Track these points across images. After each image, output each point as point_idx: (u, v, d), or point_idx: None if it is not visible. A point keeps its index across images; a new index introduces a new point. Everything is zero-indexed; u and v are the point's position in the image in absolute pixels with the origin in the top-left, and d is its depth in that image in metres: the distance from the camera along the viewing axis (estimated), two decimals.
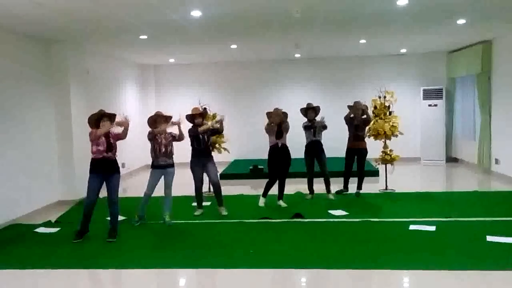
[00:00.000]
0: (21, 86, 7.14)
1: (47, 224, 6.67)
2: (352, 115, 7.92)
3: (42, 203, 7.56)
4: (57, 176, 8.05)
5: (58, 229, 6.36)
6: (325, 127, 7.65)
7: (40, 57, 7.70)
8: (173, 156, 6.46)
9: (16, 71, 7.06)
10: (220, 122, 7.01)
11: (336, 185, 8.15)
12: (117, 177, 5.89)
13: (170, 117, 6.42)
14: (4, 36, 6.76)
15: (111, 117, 5.81)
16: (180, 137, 6.46)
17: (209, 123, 6.95)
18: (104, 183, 5.83)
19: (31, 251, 5.46)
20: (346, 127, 8.03)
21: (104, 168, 5.75)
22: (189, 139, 6.78)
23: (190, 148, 6.85)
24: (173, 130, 6.43)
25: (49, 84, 7.89)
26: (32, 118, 7.40)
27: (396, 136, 8.18)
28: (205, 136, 6.83)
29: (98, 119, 5.75)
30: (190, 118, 6.96)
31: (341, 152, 8.24)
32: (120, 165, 6.09)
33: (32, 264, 5.02)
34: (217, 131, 7.12)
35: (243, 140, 12.18)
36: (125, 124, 5.78)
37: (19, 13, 5.78)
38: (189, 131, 6.76)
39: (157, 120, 6.33)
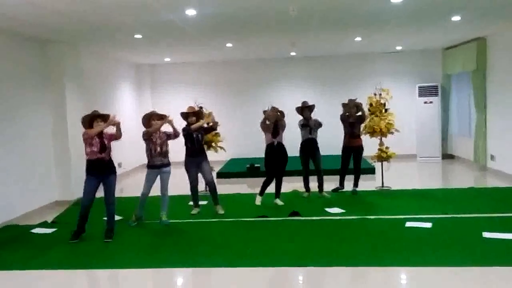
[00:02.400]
0: (16, 87, 7.11)
1: (44, 224, 6.66)
2: (347, 113, 7.93)
3: (38, 204, 7.54)
4: (54, 176, 8.03)
5: (54, 229, 6.35)
6: (320, 125, 7.68)
7: (35, 58, 7.67)
8: (168, 155, 6.45)
9: (12, 72, 7.03)
10: (213, 121, 7.03)
11: (332, 183, 8.16)
12: (113, 178, 5.88)
13: (165, 116, 6.41)
14: None
15: (105, 117, 5.80)
16: (175, 134, 6.44)
17: (202, 121, 6.94)
18: (101, 183, 5.83)
19: (27, 252, 5.44)
20: (342, 125, 8.04)
21: (100, 169, 5.74)
22: (183, 138, 6.78)
23: (184, 147, 6.85)
24: (167, 128, 6.41)
25: (44, 85, 7.86)
26: (28, 119, 7.37)
27: (392, 133, 8.19)
28: (198, 135, 6.84)
29: (92, 120, 5.74)
30: (184, 116, 6.97)
31: (337, 150, 8.25)
32: (116, 165, 6.07)
33: (28, 265, 5.01)
34: (211, 129, 7.13)
35: (240, 139, 12.17)
36: (115, 123, 5.74)
37: (14, 14, 5.76)
38: (183, 130, 6.76)
39: (152, 119, 6.32)
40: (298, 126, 7.75)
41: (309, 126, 7.61)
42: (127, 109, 11.58)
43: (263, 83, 12.55)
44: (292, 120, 7.84)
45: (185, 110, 7.08)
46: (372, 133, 8.16)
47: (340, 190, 8.11)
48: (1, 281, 4.68)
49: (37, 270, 4.89)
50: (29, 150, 7.36)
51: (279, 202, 7.30)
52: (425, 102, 11.78)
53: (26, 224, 6.71)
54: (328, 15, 6.82)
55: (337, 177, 8.18)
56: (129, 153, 10.89)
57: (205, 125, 7.06)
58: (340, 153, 8.13)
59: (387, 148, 8.30)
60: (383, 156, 8.27)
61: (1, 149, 6.70)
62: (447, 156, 11.87)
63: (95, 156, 5.68)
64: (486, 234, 5.33)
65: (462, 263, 4.56)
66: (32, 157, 7.43)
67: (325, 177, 7.81)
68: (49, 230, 6.31)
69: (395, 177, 9.01)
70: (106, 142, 5.77)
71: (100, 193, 5.87)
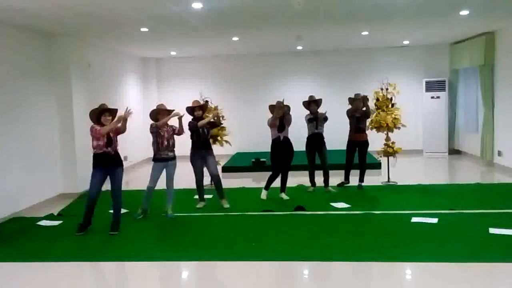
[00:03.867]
0: (22, 80, 7.13)
1: (50, 217, 6.69)
2: (353, 108, 7.90)
3: (45, 196, 7.58)
4: (60, 169, 8.06)
5: (60, 222, 6.38)
6: (326, 119, 7.65)
7: (41, 51, 7.69)
8: (175, 148, 6.46)
9: (18, 65, 7.05)
10: (218, 117, 7.04)
11: (338, 177, 8.15)
12: (120, 171, 5.90)
13: (173, 111, 6.41)
14: (5, 30, 6.74)
15: (113, 112, 5.81)
16: (179, 131, 6.45)
17: (208, 115, 6.93)
18: (108, 176, 5.84)
19: (33, 244, 5.48)
20: (348, 119, 8.01)
21: (107, 163, 5.75)
22: (188, 132, 6.78)
23: (190, 141, 6.86)
24: (174, 123, 6.42)
25: (50, 78, 7.88)
26: (34, 112, 7.40)
27: (399, 128, 8.16)
28: (204, 129, 6.83)
29: (100, 114, 5.75)
30: (190, 110, 6.97)
31: (343, 145, 8.21)
32: (122, 158, 6.08)
33: (34, 257, 5.04)
34: (215, 124, 7.13)
35: (245, 133, 12.17)
36: (125, 116, 5.75)
37: (20, 7, 5.76)
38: (189, 124, 6.76)
39: (160, 113, 6.33)
40: (304, 121, 7.73)
41: (316, 120, 7.58)
42: (133, 103, 11.58)
43: (269, 77, 12.51)
44: (298, 115, 7.81)
45: (190, 104, 7.08)
46: (379, 128, 8.12)
47: (345, 185, 8.09)
48: (8, 273, 4.71)
49: (43, 262, 4.92)
50: (35, 143, 7.39)
51: (284, 196, 7.29)
52: (432, 97, 11.72)
53: (33, 216, 6.75)
54: (334, 9, 6.77)
55: (342, 172, 8.16)
56: (135, 146, 10.92)
57: (211, 120, 7.06)
58: (345, 147, 8.10)
59: (393, 143, 8.27)
60: (389, 151, 8.24)
61: (7, 141, 6.73)
62: (453, 151, 11.80)
63: (102, 150, 5.70)
64: (492, 230, 5.30)
65: (468, 259, 4.54)
66: (38, 149, 7.46)
67: (330, 172, 7.79)
68: (55, 223, 6.34)
69: (401, 172, 8.97)
70: (112, 136, 5.79)
71: (106, 186, 5.89)
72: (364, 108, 7.84)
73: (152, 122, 6.36)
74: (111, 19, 6.78)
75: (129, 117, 5.76)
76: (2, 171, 6.59)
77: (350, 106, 8.05)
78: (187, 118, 6.80)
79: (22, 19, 6.51)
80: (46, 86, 7.78)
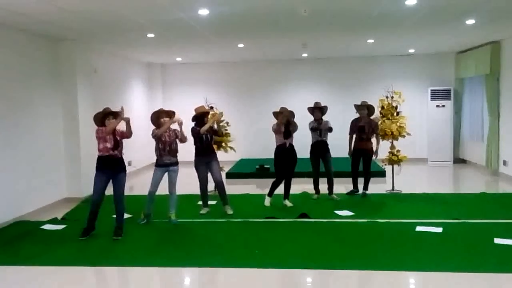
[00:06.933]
0: (29, 84, 7.17)
1: (54, 221, 6.70)
2: (358, 116, 7.89)
3: (49, 200, 7.60)
4: (64, 173, 8.09)
5: (64, 226, 6.39)
6: (329, 129, 7.64)
7: (48, 56, 7.73)
8: (177, 153, 6.45)
9: (24, 69, 7.09)
10: (218, 126, 7.01)
11: (342, 185, 8.12)
12: (123, 175, 5.90)
13: (173, 112, 6.42)
14: (12, 35, 6.79)
15: (116, 115, 5.82)
16: (182, 140, 6.43)
17: (210, 122, 6.86)
18: (111, 181, 5.85)
19: (37, 248, 5.48)
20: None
21: (111, 166, 5.76)
22: (192, 138, 6.76)
23: (193, 147, 6.85)
24: (177, 127, 6.41)
25: (56, 83, 7.92)
26: (40, 116, 7.43)
27: (404, 136, 8.14)
28: (208, 135, 6.82)
29: (104, 117, 5.78)
30: (200, 118, 6.83)
31: (347, 152, 8.19)
32: (126, 163, 6.09)
33: (38, 261, 5.04)
34: (217, 133, 7.09)
35: (250, 140, 12.18)
36: (125, 120, 5.74)
37: (27, 12, 5.81)
38: (192, 130, 6.75)
39: (160, 116, 6.33)
40: (308, 128, 7.71)
41: (319, 128, 7.57)
42: (138, 108, 11.64)
43: (273, 84, 12.53)
44: (303, 122, 7.80)
45: (195, 108, 6.99)
46: (384, 136, 8.11)
47: (355, 193, 8.03)
48: (11, 276, 4.72)
49: (47, 266, 4.92)
50: (40, 146, 7.41)
51: (288, 203, 7.28)
52: (438, 106, 11.70)
53: (37, 220, 6.76)
54: (340, 17, 6.79)
55: (347, 179, 8.14)
56: (139, 151, 10.95)
57: (215, 127, 7.04)
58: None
59: (398, 151, 8.24)
60: (394, 159, 8.22)
61: (12, 145, 6.76)
62: (458, 160, 11.76)
63: (108, 153, 5.71)
64: (497, 240, 5.26)
65: (472, 269, 4.50)
66: (43, 153, 7.49)
67: (335, 179, 7.77)
68: (59, 227, 6.35)
69: (406, 180, 8.95)
70: (118, 139, 5.81)
71: (109, 191, 5.90)
72: (373, 125, 7.80)
73: (154, 127, 6.36)
74: (118, 24, 6.82)
75: (130, 120, 5.75)
76: (7, 175, 6.62)
77: (355, 113, 8.04)
78: (189, 123, 6.80)
79: (28, 24, 6.55)
80: (52, 90, 7.82)
